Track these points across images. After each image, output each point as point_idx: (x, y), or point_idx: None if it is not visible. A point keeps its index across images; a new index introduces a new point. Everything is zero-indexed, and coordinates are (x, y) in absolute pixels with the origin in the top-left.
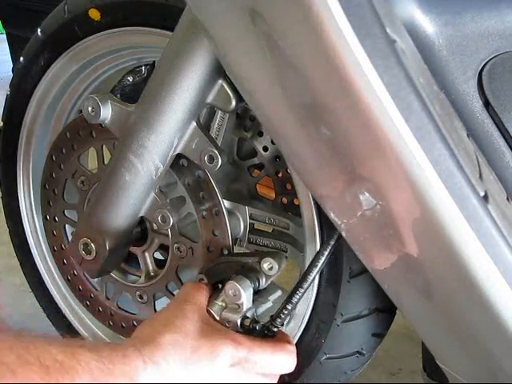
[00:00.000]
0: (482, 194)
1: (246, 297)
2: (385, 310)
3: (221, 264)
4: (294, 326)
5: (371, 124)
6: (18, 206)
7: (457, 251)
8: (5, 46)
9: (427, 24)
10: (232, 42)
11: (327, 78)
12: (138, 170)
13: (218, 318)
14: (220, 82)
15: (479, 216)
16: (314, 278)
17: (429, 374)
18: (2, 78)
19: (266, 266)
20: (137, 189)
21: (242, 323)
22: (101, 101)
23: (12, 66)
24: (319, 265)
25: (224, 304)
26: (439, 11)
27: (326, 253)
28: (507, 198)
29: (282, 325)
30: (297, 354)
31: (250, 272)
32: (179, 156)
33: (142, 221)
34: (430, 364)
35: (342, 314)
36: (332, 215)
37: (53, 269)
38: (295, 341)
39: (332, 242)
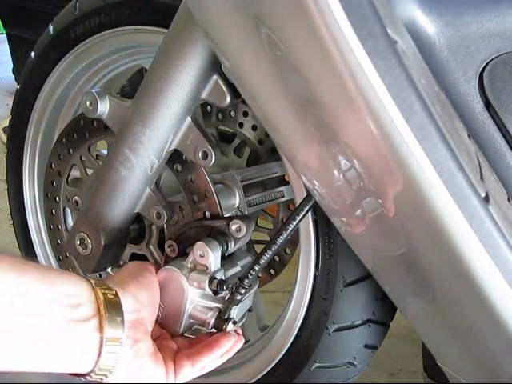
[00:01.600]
0: (483, 194)
1: (213, 258)
2: (378, 321)
3: (190, 229)
4: (287, 332)
5: (372, 125)
6: (23, 199)
7: (457, 252)
8: (5, 47)
9: (428, 25)
10: (233, 43)
11: (328, 78)
12: (133, 165)
13: (186, 280)
14: (215, 77)
15: (480, 217)
16: (283, 242)
17: (429, 375)
18: (3, 78)
19: (234, 228)
20: (132, 184)
21: (209, 284)
22: (98, 95)
23: (12, 66)
24: (289, 229)
25: (192, 266)
26: (440, 12)
27: (298, 218)
28: (508, 199)
29: (250, 286)
30: (288, 359)
31: (218, 235)
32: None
33: (140, 219)
34: (430, 364)
35: (334, 323)
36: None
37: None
38: (287, 346)
39: (305, 209)
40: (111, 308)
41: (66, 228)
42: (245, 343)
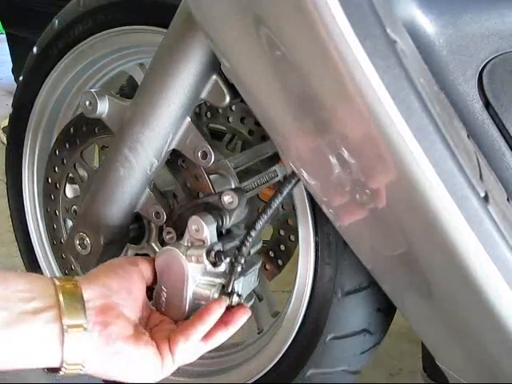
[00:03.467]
0: (483, 194)
1: (208, 231)
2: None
3: (184, 211)
4: (285, 336)
5: (371, 124)
6: (22, 198)
7: (457, 251)
8: (5, 46)
9: (427, 24)
10: (233, 43)
11: (327, 78)
12: (132, 165)
13: (184, 257)
14: (214, 77)
15: (479, 217)
16: (278, 205)
17: (429, 375)
18: (2, 78)
19: (226, 199)
20: (131, 184)
21: (207, 256)
22: (98, 95)
23: (12, 66)
24: (284, 192)
25: (189, 244)
26: (439, 12)
27: (293, 181)
28: (507, 199)
29: (249, 254)
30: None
31: (212, 209)
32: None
33: (139, 219)
34: (429, 364)
35: (330, 333)
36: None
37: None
38: (284, 349)
39: (293, 181)
40: (69, 297)
41: (66, 229)
42: (259, 332)
